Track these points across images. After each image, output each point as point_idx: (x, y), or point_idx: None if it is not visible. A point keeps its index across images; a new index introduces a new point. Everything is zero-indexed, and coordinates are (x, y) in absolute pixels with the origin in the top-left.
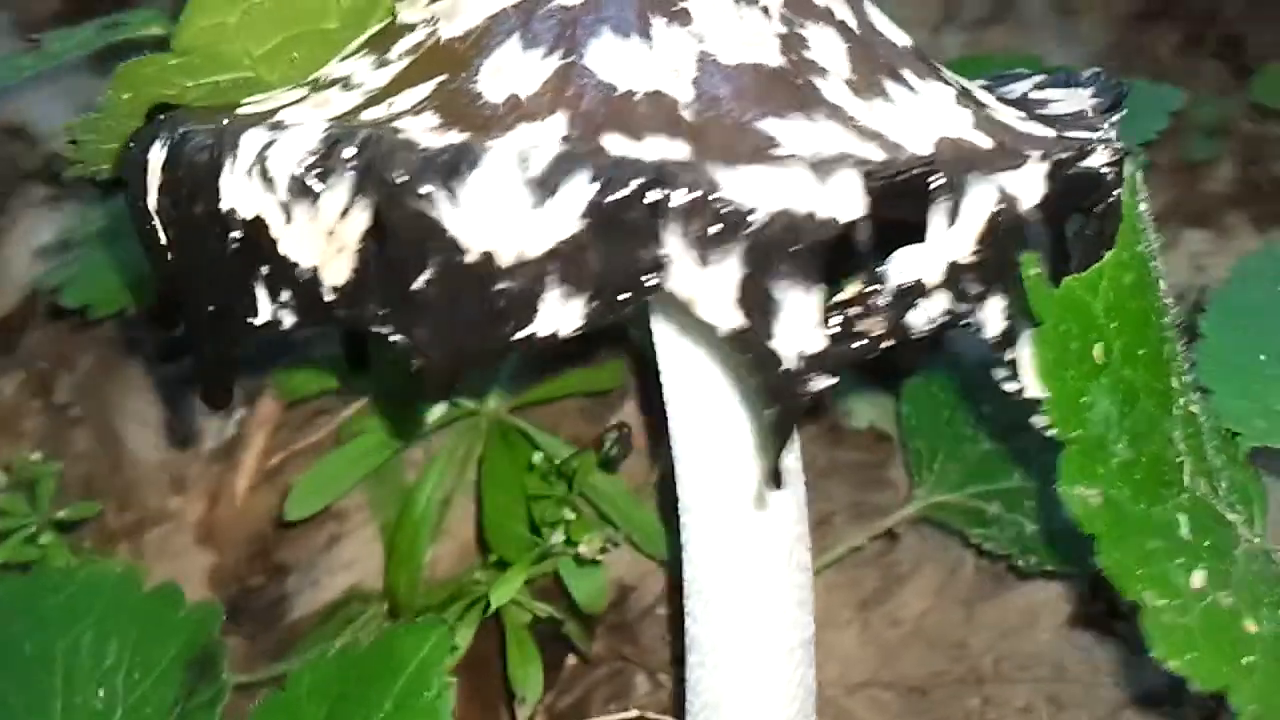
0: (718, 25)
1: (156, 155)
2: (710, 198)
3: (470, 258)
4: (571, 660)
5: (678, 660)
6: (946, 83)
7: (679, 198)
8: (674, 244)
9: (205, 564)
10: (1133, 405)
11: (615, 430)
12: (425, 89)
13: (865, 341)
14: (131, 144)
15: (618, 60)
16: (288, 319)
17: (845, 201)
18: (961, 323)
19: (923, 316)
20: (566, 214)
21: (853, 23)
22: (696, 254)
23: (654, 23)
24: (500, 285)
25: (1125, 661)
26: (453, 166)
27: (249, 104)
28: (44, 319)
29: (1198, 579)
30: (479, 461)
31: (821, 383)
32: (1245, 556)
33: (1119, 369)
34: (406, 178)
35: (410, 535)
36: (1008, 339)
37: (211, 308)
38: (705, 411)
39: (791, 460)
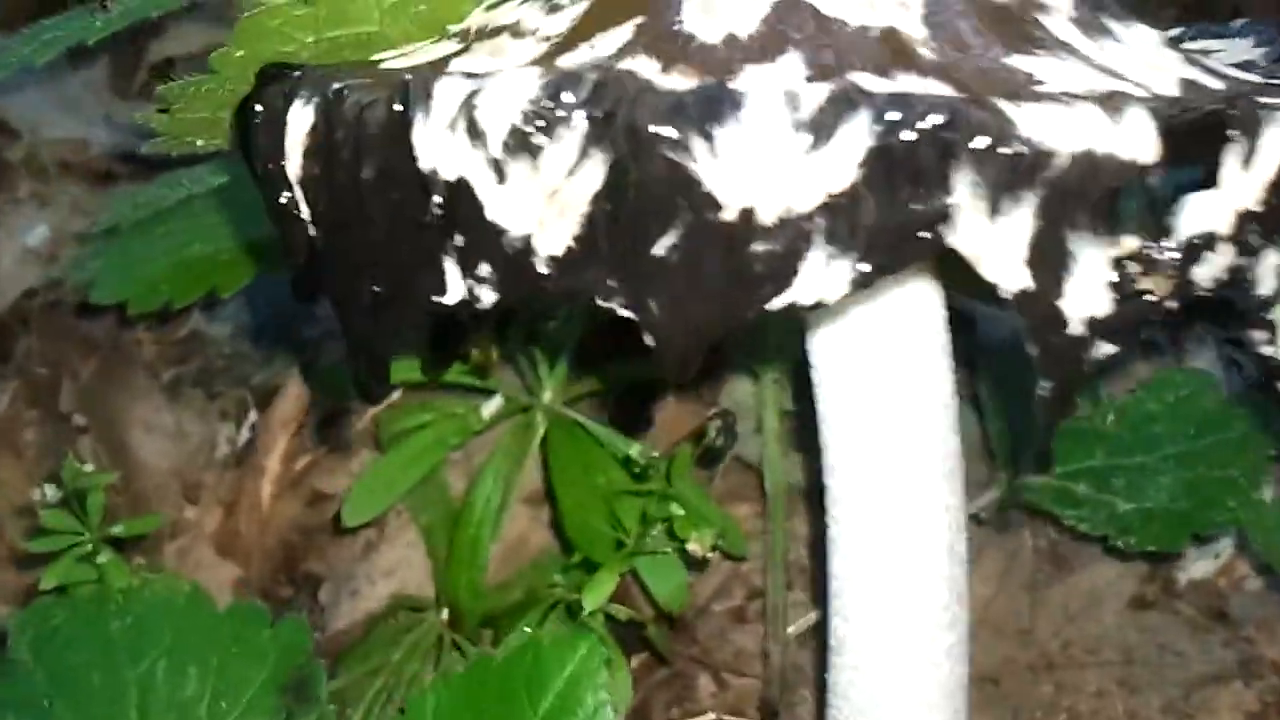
0: None
1: (300, 115)
2: (1009, 136)
3: (727, 214)
4: (634, 662)
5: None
6: (1146, 25)
7: (976, 138)
8: (963, 192)
9: (229, 577)
10: None
11: (719, 418)
12: (624, 32)
13: (1149, 302)
14: (257, 105)
15: None
16: (487, 295)
17: (1143, 142)
18: (1237, 282)
19: (1207, 273)
20: (844, 160)
21: None
22: (988, 203)
23: None
24: (758, 246)
25: (1192, 640)
26: (712, 110)
27: (388, 61)
28: (40, 323)
29: None
30: (543, 459)
31: (1105, 350)
32: None
33: None
34: (659, 125)
35: (471, 538)
36: (1274, 300)
37: (379, 288)
38: (867, 410)
39: (955, 443)
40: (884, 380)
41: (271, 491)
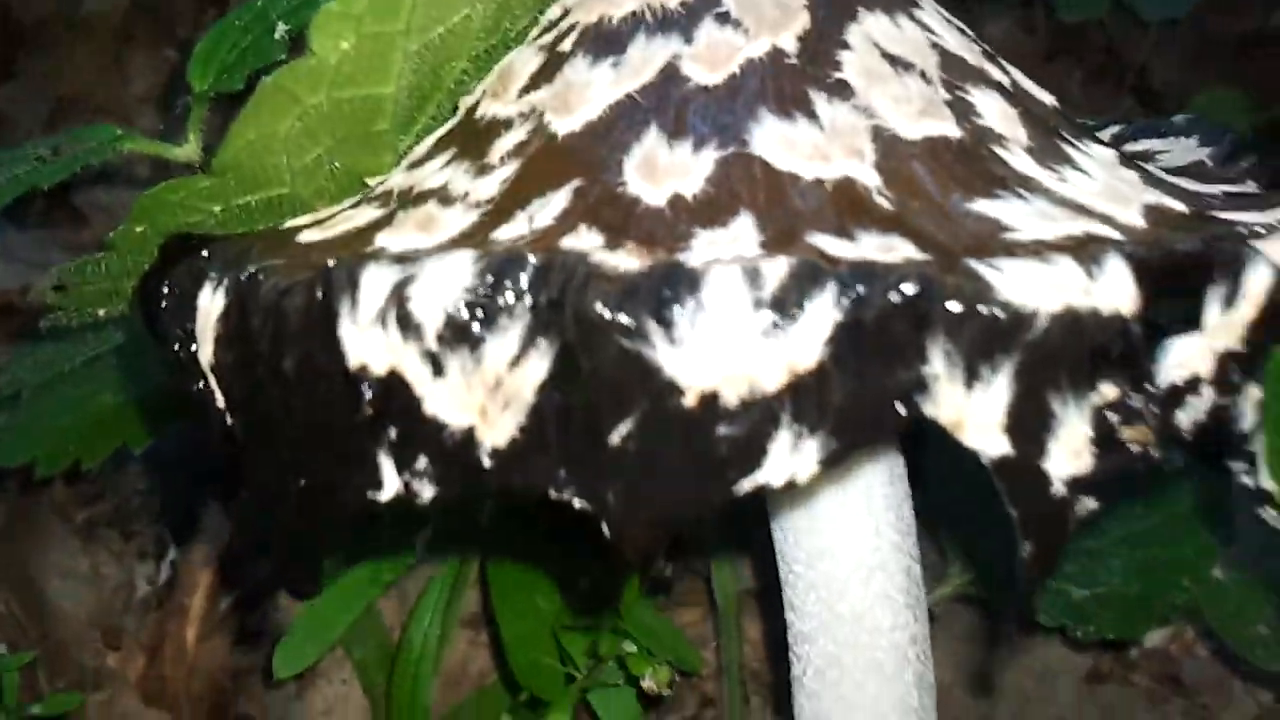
0: (882, 96)
1: (211, 300)
2: (985, 302)
3: (688, 400)
4: None
5: None
6: (1102, 141)
7: (950, 303)
8: (938, 361)
9: None
10: None
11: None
12: (562, 198)
13: (1132, 453)
14: (164, 284)
15: (789, 145)
16: (425, 490)
17: (1123, 293)
18: (1219, 423)
19: (1190, 417)
20: (811, 338)
21: (1007, 83)
22: (964, 371)
23: (814, 99)
24: (722, 430)
25: (1150, 711)
26: (669, 293)
27: (304, 230)
28: None
29: None
30: (481, 582)
31: (1087, 506)
32: None
33: None
34: (612, 312)
35: (412, 677)
36: (1257, 430)
37: (305, 481)
38: (831, 568)
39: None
40: (847, 543)
41: (196, 632)
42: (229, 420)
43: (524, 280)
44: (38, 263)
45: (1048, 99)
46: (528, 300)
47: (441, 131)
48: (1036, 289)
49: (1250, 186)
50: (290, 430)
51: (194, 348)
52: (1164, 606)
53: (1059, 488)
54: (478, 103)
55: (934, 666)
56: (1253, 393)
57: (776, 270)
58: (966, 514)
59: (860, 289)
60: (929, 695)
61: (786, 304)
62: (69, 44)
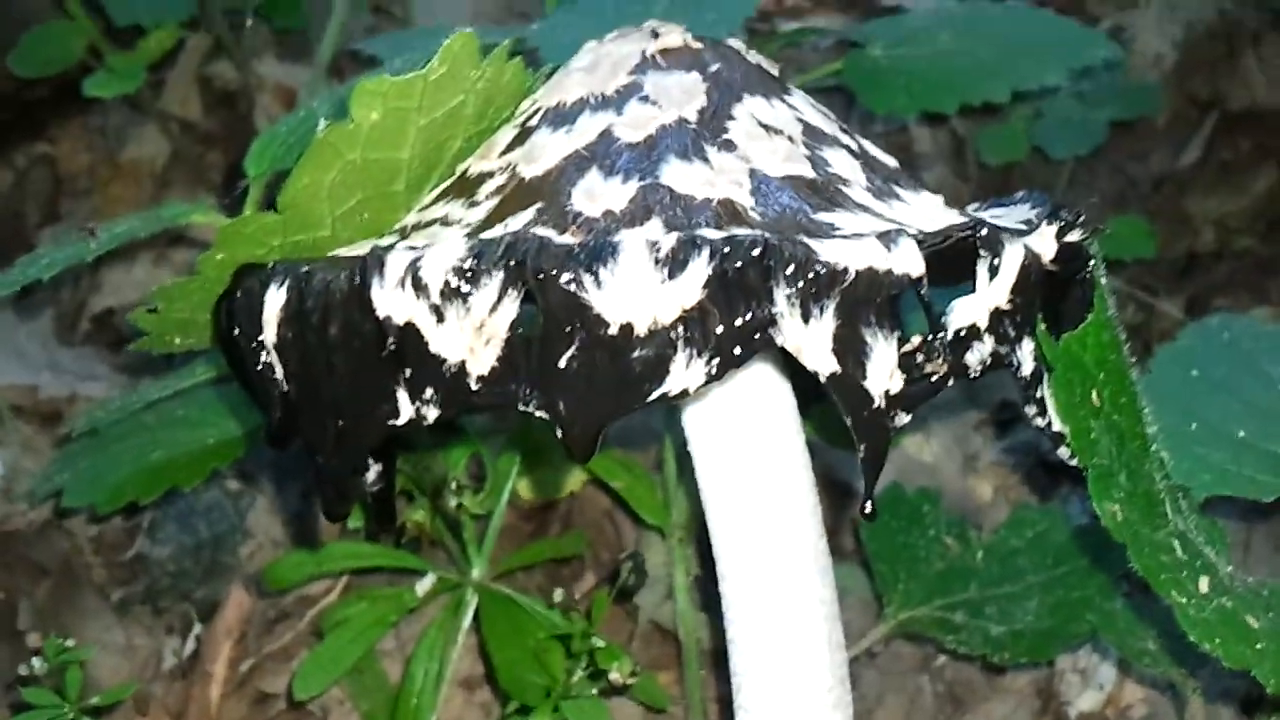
0: (758, 150)
1: (275, 295)
2: (811, 261)
3: (612, 330)
4: None
5: None
6: (934, 193)
7: (788, 262)
8: (782, 303)
9: None
10: (1123, 446)
11: (630, 559)
12: (528, 214)
13: (932, 381)
14: (237, 294)
15: (688, 179)
16: (430, 413)
17: (911, 261)
18: (1005, 363)
19: (975, 358)
20: (692, 285)
21: (855, 148)
22: (801, 310)
23: (708, 150)
24: (636, 353)
25: None
26: (595, 255)
27: (341, 254)
28: None
29: (1204, 584)
30: (476, 630)
31: (902, 419)
32: (1228, 577)
33: (1110, 414)
34: (556, 268)
35: (413, 711)
36: (1036, 379)
37: (342, 421)
38: (735, 482)
39: (821, 542)
40: (745, 449)
41: (219, 694)
42: (285, 387)
43: (498, 252)
44: (84, 375)
45: (891, 162)
46: (500, 265)
47: (443, 186)
48: (847, 253)
49: None
50: (332, 383)
51: (260, 334)
52: (1070, 636)
53: (878, 400)
54: (469, 166)
55: (879, 706)
56: (1027, 345)
57: (669, 241)
58: None
59: (725, 250)
60: (840, 653)
61: (675, 262)
62: (110, 188)
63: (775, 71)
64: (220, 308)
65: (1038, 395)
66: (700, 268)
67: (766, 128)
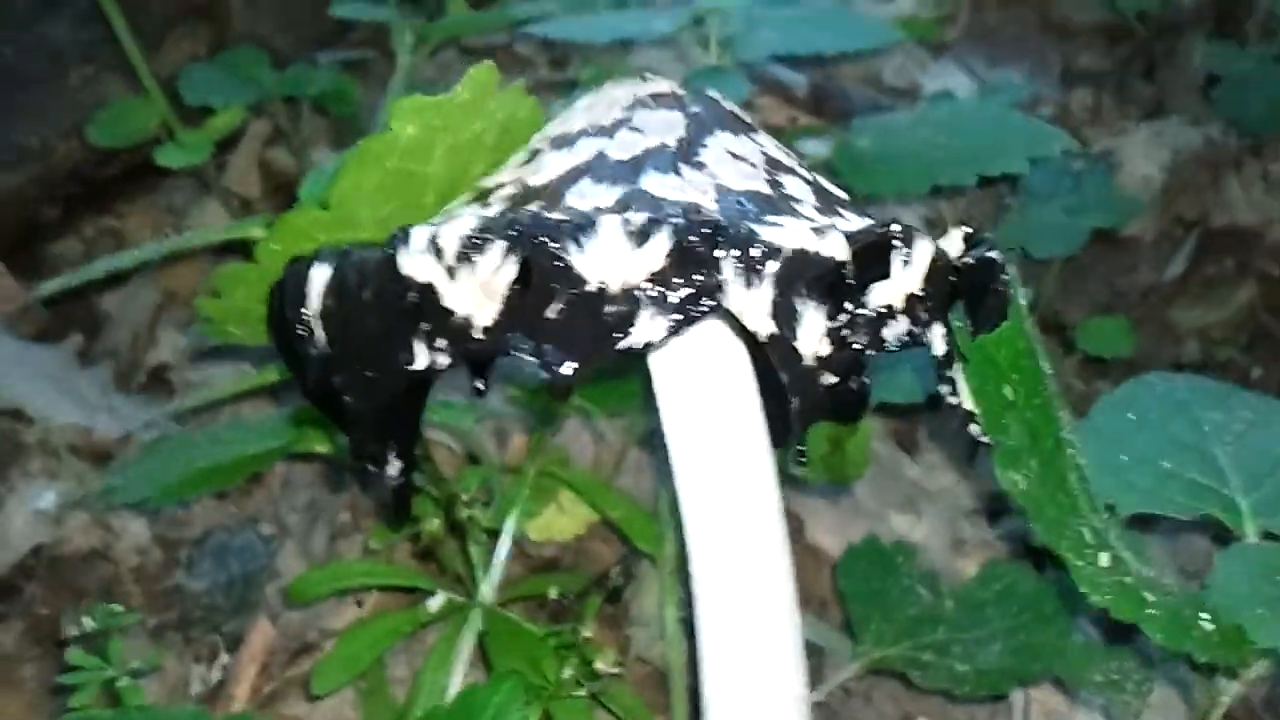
0: (724, 170)
1: (320, 271)
2: (754, 239)
3: (590, 287)
4: None
5: None
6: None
7: (734, 240)
8: (729, 272)
9: None
10: (1035, 440)
11: (619, 564)
12: (531, 209)
13: (855, 349)
14: (287, 277)
15: (663, 187)
16: (442, 360)
17: (837, 247)
18: (919, 342)
19: (892, 334)
20: (656, 253)
21: (809, 178)
22: (744, 279)
23: (682, 168)
24: (609, 308)
25: None
26: (579, 227)
27: None
28: (45, 573)
29: (1104, 559)
30: (481, 651)
31: (829, 379)
32: (1133, 565)
33: (1022, 410)
34: (547, 236)
35: None
36: (948, 360)
37: (370, 373)
38: (695, 428)
39: (780, 535)
40: (703, 394)
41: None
42: (325, 349)
43: (500, 225)
44: (138, 420)
45: (841, 193)
46: (503, 233)
47: (463, 198)
48: (784, 236)
49: None
50: (364, 340)
51: (306, 306)
52: (1028, 673)
53: (809, 361)
54: (485, 181)
55: None
56: (937, 329)
57: (639, 218)
58: None
59: (683, 226)
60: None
61: (643, 234)
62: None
63: (747, 119)
64: (273, 291)
65: (949, 375)
66: (663, 240)
67: (733, 155)
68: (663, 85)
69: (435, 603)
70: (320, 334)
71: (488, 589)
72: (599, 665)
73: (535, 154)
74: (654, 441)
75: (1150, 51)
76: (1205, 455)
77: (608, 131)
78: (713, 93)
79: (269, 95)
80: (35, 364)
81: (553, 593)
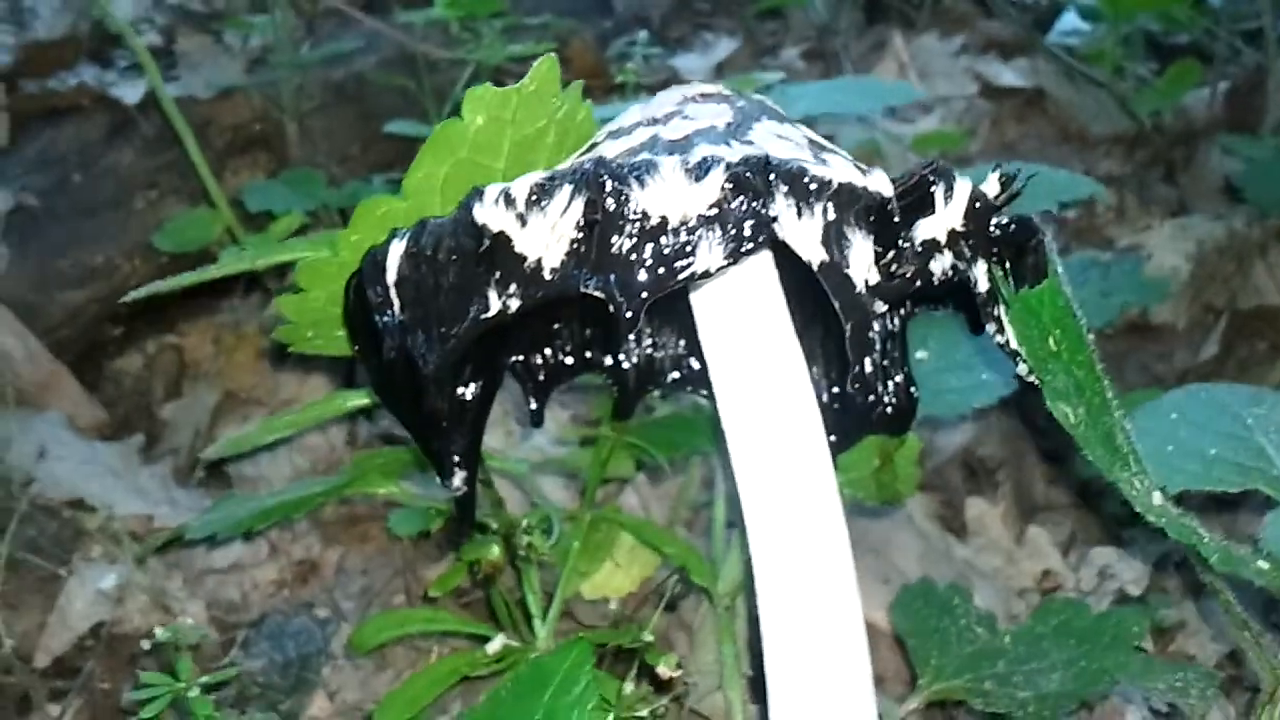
0: (771, 144)
1: (397, 244)
2: (804, 173)
3: (653, 221)
4: None
5: None
6: None
7: (786, 174)
8: (781, 203)
9: None
10: (1081, 395)
11: (674, 574)
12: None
13: (903, 279)
14: (365, 260)
15: (715, 150)
16: (513, 304)
17: (881, 183)
18: (964, 277)
19: (938, 267)
20: (712, 188)
21: (850, 159)
22: (796, 209)
23: (732, 142)
24: (671, 239)
25: None
26: (641, 167)
27: None
28: (105, 649)
29: (1158, 498)
30: None
31: (880, 306)
32: None
33: (1068, 363)
34: (611, 176)
35: None
36: (992, 298)
37: (444, 328)
38: (741, 360)
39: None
40: (748, 326)
41: None
42: (401, 316)
43: (565, 171)
44: (195, 509)
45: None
46: (569, 179)
47: None
48: (832, 171)
49: None
50: (439, 297)
51: (383, 279)
52: (1091, 694)
53: (861, 287)
54: None
55: None
56: (980, 266)
57: (695, 156)
58: None
59: (740, 161)
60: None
61: (700, 171)
62: (234, 355)
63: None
64: (351, 279)
65: (995, 314)
66: (718, 175)
67: (779, 136)
68: (711, 87)
69: (494, 646)
70: (397, 302)
71: (544, 633)
72: (661, 670)
73: (592, 146)
74: (706, 503)
75: (1169, 157)
76: (1250, 443)
77: (661, 121)
78: (757, 96)
79: (326, 204)
80: (99, 460)
81: (612, 604)
